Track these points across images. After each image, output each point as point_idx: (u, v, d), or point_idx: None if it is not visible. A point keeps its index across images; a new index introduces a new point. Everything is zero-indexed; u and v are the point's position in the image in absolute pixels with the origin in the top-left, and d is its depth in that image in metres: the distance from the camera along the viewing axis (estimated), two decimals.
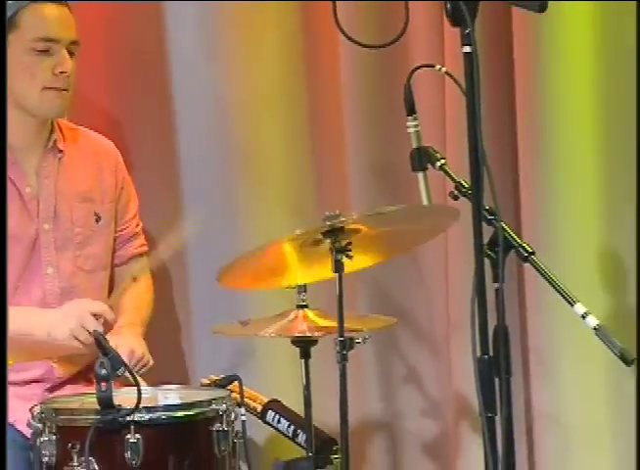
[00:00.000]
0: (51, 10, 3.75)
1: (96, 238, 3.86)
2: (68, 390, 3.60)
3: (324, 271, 3.45)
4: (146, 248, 4.05)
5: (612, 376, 3.98)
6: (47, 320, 3.62)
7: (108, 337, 3.51)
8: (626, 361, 3.26)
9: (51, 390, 3.65)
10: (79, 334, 3.49)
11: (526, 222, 4.07)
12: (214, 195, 4.38)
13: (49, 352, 3.58)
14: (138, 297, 3.96)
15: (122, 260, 3.98)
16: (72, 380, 3.69)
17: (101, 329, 3.48)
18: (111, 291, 3.94)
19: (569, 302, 3.27)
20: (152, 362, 3.71)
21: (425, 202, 3.50)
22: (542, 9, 2.95)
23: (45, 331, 3.57)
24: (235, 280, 3.77)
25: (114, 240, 3.96)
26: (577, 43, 4.08)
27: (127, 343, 3.65)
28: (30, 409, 3.28)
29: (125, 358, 3.38)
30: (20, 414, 3.43)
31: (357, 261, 3.46)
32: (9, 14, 3.73)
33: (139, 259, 4.02)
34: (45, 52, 3.69)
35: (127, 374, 3.15)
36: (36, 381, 3.68)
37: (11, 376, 3.51)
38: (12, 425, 3.53)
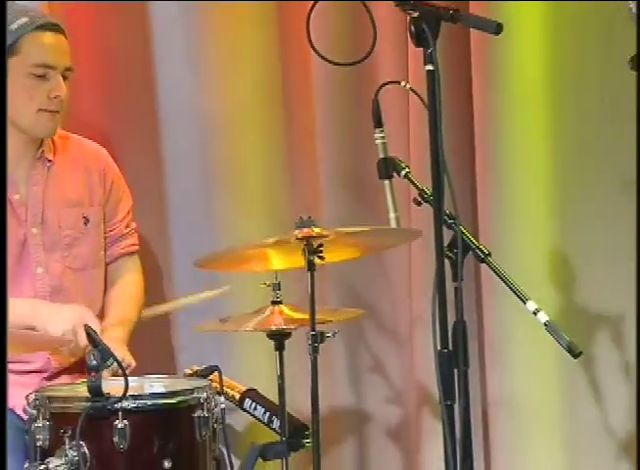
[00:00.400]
0: (49, 38, 3.75)
1: (84, 239, 3.85)
2: (64, 379, 3.61)
3: (297, 261, 3.46)
4: (136, 247, 4.02)
5: (561, 367, 4.02)
6: (47, 315, 3.63)
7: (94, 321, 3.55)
8: (573, 354, 3.34)
9: (48, 379, 3.65)
10: (69, 336, 3.52)
11: (483, 226, 4.09)
12: (198, 198, 4.38)
13: (40, 345, 3.55)
14: (125, 294, 3.96)
15: (111, 259, 3.96)
16: (68, 370, 3.68)
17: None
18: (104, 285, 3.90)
19: (521, 299, 3.34)
20: (134, 364, 3.70)
21: (390, 207, 3.49)
22: (498, 32, 2.98)
23: (40, 322, 3.58)
24: (217, 266, 3.83)
25: (105, 239, 3.95)
26: (529, 62, 4.13)
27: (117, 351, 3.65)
28: (26, 397, 3.27)
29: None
30: (18, 400, 3.42)
31: (328, 258, 3.46)
32: (10, 40, 3.72)
33: (128, 259, 4.00)
34: (42, 77, 3.69)
35: (116, 365, 3.14)
36: (35, 371, 3.67)
37: (12, 366, 3.52)
38: (12, 409, 3.52)
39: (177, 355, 4.29)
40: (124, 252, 3.99)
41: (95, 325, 3.57)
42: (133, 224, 4.03)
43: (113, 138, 4.21)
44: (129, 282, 3.99)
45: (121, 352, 3.65)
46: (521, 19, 4.06)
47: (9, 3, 3.98)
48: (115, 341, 3.72)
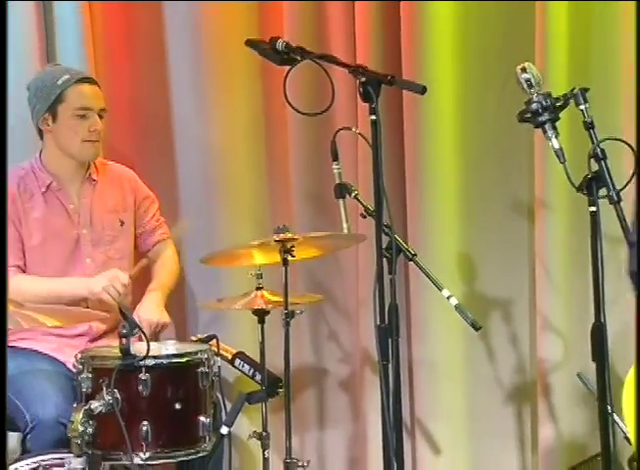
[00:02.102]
0: (86, 88, 3.78)
1: (120, 237, 3.87)
2: (103, 342, 3.63)
3: (275, 258, 3.47)
4: (166, 235, 4.03)
5: (466, 338, 4.00)
6: (88, 281, 3.65)
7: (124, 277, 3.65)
8: (475, 328, 3.44)
9: (91, 342, 3.69)
10: (109, 289, 3.56)
11: (411, 234, 4.06)
12: (202, 208, 4.34)
13: (78, 315, 3.52)
14: (163, 267, 3.99)
15: (150, 246, 3.99)
16: (106, 335, 3.71)
17: (122, 293, 3.57)
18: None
19: (438, 288, 3.41)
20: (168, 321, 3.78)
21: (343, 219, 3.53)
22: (423, 92, 3.05)
23: (86, 287, 3.61)
24: (217, 262, 3.83)
25: (142, 234, 3.97)
26: (443, 113, 4.07)
27: (147, 314, 3.71)
28: (75, 355, 3.30)
29: (146, 330, 3.41)
30: (69, 357, 3.48)
31: (298, 256, 3.49)
32: (58, 92, 3.73)
33: (163, 244, 4.03)
34: (83, 116, 3.72)
35: (140, 334, 3.16)
36: (82, 335, 3.70)
37: (64, 331, 3.63)
38: (64, 363, 3.59)
39: (186, 326, 4.27)
40: (159, 239, 4.01)
41: (124, 278, 3.63)
42: (162, 218, 4.03)
43: (137, 163, 4.17)
44: (165, 260, 4.00)
45: (157, 314, 3.75)
46: (437, 87, 4.00)
47: (56, 66, 4.00)
48: (153, 303, 3.78)
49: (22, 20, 4.18)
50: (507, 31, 4.05)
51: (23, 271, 3.72)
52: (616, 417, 2.92)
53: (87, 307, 3.64)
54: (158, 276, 3.96)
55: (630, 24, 3.73)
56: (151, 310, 3.76)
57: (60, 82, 3.74)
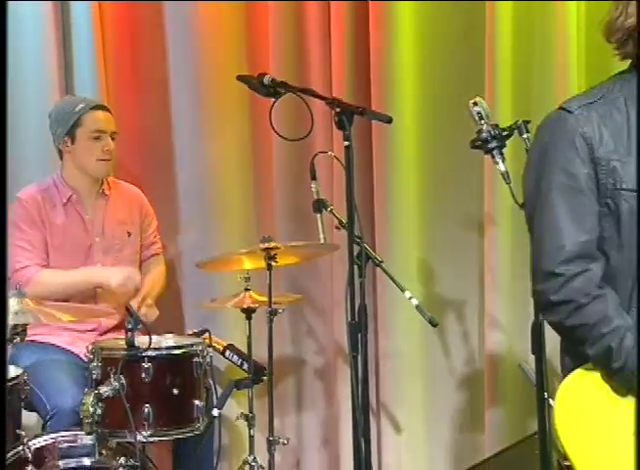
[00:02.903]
0: (99, 114, 3.79)
1: (127, 246, 3.87)
2: (110, 335, 3.62)
3: (261, 263, 3.47)
4: (160, 250, 4.04)
5: (424, 333, 3.99)
6: (109, 271, 3.67)
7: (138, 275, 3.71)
8: (432, 324, 3.42)
9: (100, 335, 3.68)
10: (126, 282, 3.59)
11: (379, 244, 4.05)
12: (198, 221, 4.32)
13: (90, 312, 3.58)
14: (154, 279, 3.95)
15: (146, 257, 3.98)
16: (113, 330, 3.70)
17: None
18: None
19: (401, 289, 3.39)
20: (157, 313, 3.77)
21: (320, 230, 3.48)
22: (390, 122, 3.03)
23: (106, 277, 3.62)
24: (210, 267, 3.82)
25: (141, 247, 3.95)
26: (406, 140, 4.06)
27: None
28: (86, 347, 3.30)
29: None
30: (81, 349, 3.47)
31: (280, 262, 3.49)
32: (75, 118, 3.73)
33: (156, 257, 4.02)
34: (98, 138, 3.72)
35: (142, 328, 3.16)
36: (92, 330, 3.70)
37: (77, 326, 3.62)
38: (77, 355, 3.57)
39: (184, 322, 4.27)
40: (154, 252, 4.00)
41: (136, 276, 3.70)
42: (158, 236, 4.02)
43: (142, 181, 4.16)
44: (155, 272, 3.98)
45: (151, 304, 3.78)
46: (402, 117, 3.98)
47: (73, 96, 4.03)
48: (149, 294, 3.79)
49: (40, 19, 4.17)
50: (460, 70, 4.03)
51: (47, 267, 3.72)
52: (550, 401, 2.93)
53: (96, 303, 3.65)
54: (146, 286, 3.88)
55: (565, 62, 3.76)
56: (146, 297, 3.79)
57: (77, 109, 3.75)
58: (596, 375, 2.03)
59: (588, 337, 2.01)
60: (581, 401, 2.05)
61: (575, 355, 2.11)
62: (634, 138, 2.01)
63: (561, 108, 2.09)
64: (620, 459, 1.97)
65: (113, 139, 3.78)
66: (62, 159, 3.82)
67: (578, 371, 2.06)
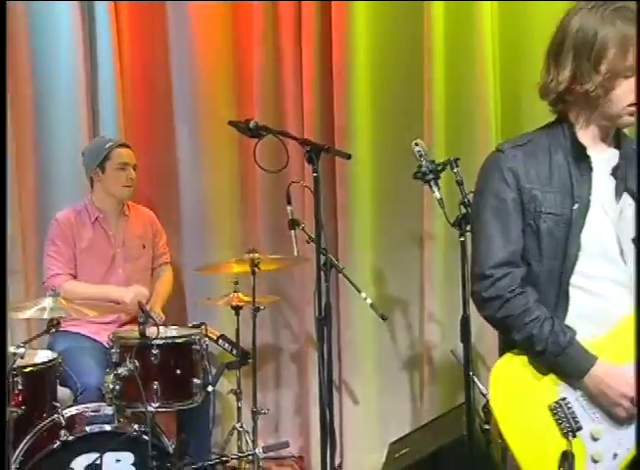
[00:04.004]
0: (124, 150, 3.81)
1: (143, 256, 3.88)
2: (128, 327, 3.61)
3: (246, 270, 3.50)
4: (168, 260, 4.03)
5: (376, 326, 3.95)
6: (120, 290, 3.64)
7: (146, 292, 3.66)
8: (383, 319, 3.46)
9: (119, 327, 3.68)
10: (134, 299, 3.51)
11: (340, 255, 4.02)
12: (197, 234, 4.29)
13: (111, 309, 3.59)
14: (162, 286, 3.96)
15: (156, 266, 3.97)
16: (129, 323, 3.70)
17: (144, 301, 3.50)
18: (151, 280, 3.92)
19: (358, 291, 3.42)
20: (163, 317, 3.73)
21: (294, 244, 3.47)
22: (349, 158, 3.02)
23: (120, 295, 3.61)
24: (206, 272, 3.86)
25: (153, 256, 3.93)
26: (362, 172, 4.03)
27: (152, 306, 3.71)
28: (108, 336, 3.31)
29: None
30: (103, 338, 3.46)
31: (264, 269, 3.54)
32: (105, 153, 3.73)
33: (164, 266, 4.01)
34: (122, 169, 3.74)
35: (152, 321, 3.15)
36: (113, 322, 3.70)
37: (101, 320, 3.62)
38: (101, 342, 3.55)
39: (185, 316, 4.25)
40: (163, 262, 3.99)
41: (145, 293, 3.67)
42: (166, 248, 4.00)
43: (154, 204, 4.16)
44: (165, 280, 3.98)
45: (158, 312, 3.75)
46: (359, 154, 3.95)
47: (102, 137, 4.01)
48: (157, 304, 3.79)
49: (67, 18, 4.17)
50: (404, 117, 3.99)
51: (74, 277, 3.69)
52: (475, 379, 2.95)
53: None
54: (157, 293, 3.89)
55: (487, 115, 3.74)
56: (153, 306, 3.76)
57: (106, 146, 3.77)
58: (522, 358, 2.01)
59: (514, 326, 2.00)
60: (510, 379, 2.03)
61: (507, 343, 2.09)
62: (556, 174, 2.01)
63: (497, 149, 2.11)
64: (539, 426, 1.96)
65: (134, 170, 3.80)
66: (92, 186, 3.82)
67: (508, 354, 2.04)
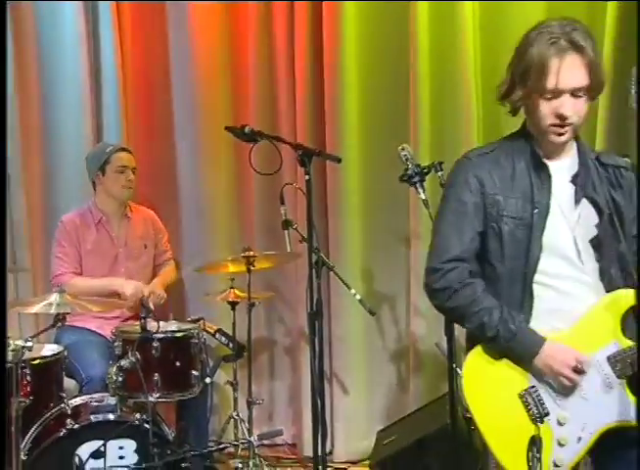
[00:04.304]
0: (124, 154, 3.79)
1: (144, 255, 3.87)
2: (130, 322, 3.60)
3: (242, 268, 3.49)
4: (171, 256, 4.02)
5: (365, 320, 3.93)
6: (122, 282, 3.65)
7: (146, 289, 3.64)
8: (371, 313, 3.44)
9: (122, 321, 3.67)
10: (136, 291, 3.56)
11: (331, 253, 4.02)
12: (196, 234, 4.31)
13: (113, 304, 3.55)
14: (166, 272, 3.96)
15: (160, 262, 3.96)
16: (131, 318, 3.69)
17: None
18: (152, 277, 3.90)
19: (348, 287, 3.40)
20: (165, 296, 3.75)
21: (287, 243, 3.46)
22: (339, 161, 2.98)
23: (121, 284, 3.60)
24: (204, 270, 3.83)
25: (155, 254, 3.92)
26: (352, 174, 4.03)
27: (152, 288, 3.71)
28: (111, 330, 3.33)
29: (152, 298, 3.51)
30: (107, 332, 3.48)
31: (257, 266, 3.52)
32: (105, 157, 3.73)
33: (167, 262, 4.00)
34: (122, 172, 3.72)
35: (153, 316, 3.15)
36: (116, 317, 3.69)
37: (105, 315, 3.60)
38: (104, 336, 3.56)
39: (185, 312, 4.22)
40: (166, 258, 4.00)
41: (144, 288, 3.66)
42: (169, 245, 3.99)
43: (155, 206, 4.14)
44: (168, 269, 3.97)
45: (158, 289, 3.73)
46: (349, 157, 3.95)
47: (104, 143, 4.01)
48: (157, 284, 3.78)
49: (72, 19, 4.16)
50: (391, 123, 4.00)
51: (79, 275, 3.69)
52: (458, 370, 2.95)
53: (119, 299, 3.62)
54: (161, 274, 3.92)
55: (470, 118, 3.75)
56: (152, 286, 3.75)
57: (107, 151, 3.77)
58: (489, 351, 2.03)
59: (465, 315, 2.03)
60: (482, 370, 2.05)
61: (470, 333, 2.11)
62: (518, 181, 2.04)
63: (464, 156, 2.14)
64: (509, 413, 1.98)
65: (133, 173, 3.79)
66: (95, 189, 3.82)
67: (478, 348, 2.06)
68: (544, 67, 1.96)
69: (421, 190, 3.07)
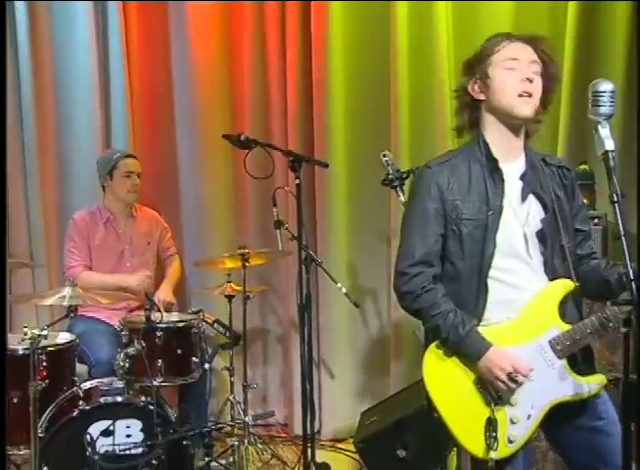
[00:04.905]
0: (130, 160, 3.80)
1: (148, 251, 3.86)
2: (136, 313, 3.60)
3: (238, 264, 3.50)
4: (174, 251, 4.02)
5: (350, 312, 3.94)
6: (129, 277, 3.65)
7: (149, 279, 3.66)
8: (356, 306, 3.49)
9: (129, 312, 3.67)
10: (143, 283, 3.60)
11: (319, 250, 4.00)
12: (195, 233, 4.30)
13: (121, 297, 3.54)
14: (173, 272, 3.95)
15: (165, 257, 3.96)
16: (137, 309, 3.69)
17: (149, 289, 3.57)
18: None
19: (334, 282, 3.44)
20: (175, 301, 3.75)
21: (279, 241, 3.46)
22: (327, 167, 3.08)
23: (127, 281, 3.61)
24: (204, 266, 3.84)
25: (160, 250, 3.92)
26: (338, 178, 4.03)
27: (162, 295, 3.69)
28: (119, 320, 3.34)
29: (161, 304, 3.45)
30: (116, 321, 3.47)
31: (252, 263, 3.52)
32: (113, 164, 3.71)
33: (172, 257, 3.99)
34: (128, 177, 3.72)
35: (156, 308, 3.21)
36: (123, 309, 3.69)
37: (113, 306, 3.58)
38: (112, 325, 3.56)
39: (186, 304, 4.22)
40: (170, 253, 3.98)
41: (149, 274, 3.70)
42: (172, 241, 3.98)
43: (159, 207, 4.15)
44: (174, 267, 3.95)
45: (168, 295, 3.72)
46: (336, 163, 3.94)
47: (112, 149, 4.00)
48: (166, 289, 3.79)
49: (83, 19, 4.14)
50: (373, 131, 3.98)
51: (90, 269, 3.68)
52: None
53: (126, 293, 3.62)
54: (169, 276, 3.92)
55: (444, 124, 3.68)
56: (164, 293, 3.76)
57: (114, 157, 3.77)
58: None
59: (425, 317, 2.06)
60: (440, 360, 2.06)
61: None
62: (474, 186, 2.06)
63: (425, 165, 2.15)
64: (467, 398, 2.01)
65: (138, 177, 3.79)
66: (104, 191, 3.82)
67: (436, 342, 2.08)
68: (500, 42, 2.04)
69: (401, 193, 3.10)
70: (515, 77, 2.03)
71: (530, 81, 2.03)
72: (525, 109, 2.04)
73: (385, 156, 3.13)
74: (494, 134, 2.10)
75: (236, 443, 3.51)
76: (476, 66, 2.08)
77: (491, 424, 1.94)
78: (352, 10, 3.99)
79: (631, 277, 1.76)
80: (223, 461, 3.51)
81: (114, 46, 4.25)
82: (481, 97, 2.09)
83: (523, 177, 2.09)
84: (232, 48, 4.28)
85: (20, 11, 4.15)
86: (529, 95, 2.03)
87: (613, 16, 3.39)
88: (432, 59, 3.78)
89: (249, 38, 4.20)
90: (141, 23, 4.34)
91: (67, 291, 2.97)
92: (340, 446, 3.93)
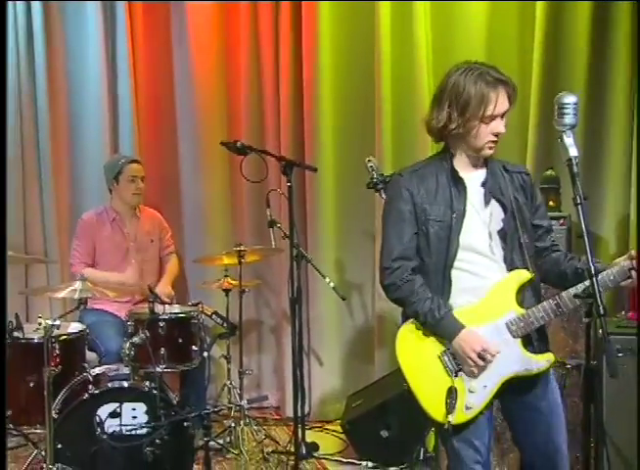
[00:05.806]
0: (134, 165, 3.80)
1: (151, 248, 3.87)
2: (141, 305, 3.58)
3: (234, 261, 3.50)
4: (174, 249, 3.99)
5: (338, 305, 3.95)
6: (128, 275, 3.66)
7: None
8: (343, 299, 3.49)
9: (134, 305, 3.68)
10: (134, 281, 3.60)
11: (310, 248, 4.01)
12: (195, 231, 4.30)
13: (125, 291, 3.58)
14: (171, 268, 3.94)
15: (164, 255, 3.95)
16: (141, 302, 3.68)
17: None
18: (158, 267, 3.91)
19: (323, 277, 3.46)
20: (174, 293, 3.74)
21: (272, 241, 3.48)
22: (316, 171, 3.14)
23: (126, 279, 3.62)
24: (203, 262, 3.84)
25: (160, 248, 3.91)
26: (326, 181, 4.03)
27: (161, 289, 3.68)
28: (125, 312, 3.37)
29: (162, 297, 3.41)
30: (122, 313, 3.50)
31: (247, 259, 3.52)
32: (118, 169, 3.71)
33: (171, 255, 3.98)
34: (133, 181, 3.72)
35: (159, 301, 3.21)
36: (129, 301, 3.71)
37: (120, 299, 3.59)
38: (119, 317, 3.57)
39: (186, 297, 4.21)
40: (169, 252, 3.97)
41: (153, 276, 3.71)
42: (172, 240, 3.97)
43: (161, 208, 4.14)
44: (172, 264, 3.94)
45: (167, 289, 3.71)
46: (324, 167, 3.95)
47: (118, 154, 3.98)
48: (165, 284, 3.78)
49: (91, 19, 4.09)
50: (359, 137, 3.98)
51: (90, 266, 3.67)
52: None
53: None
54: (167, 272, 3.91)
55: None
56: (164, 286, 3.76)
57: (120, 163, 3.77)
58: (417, 324, 2.16)
59: (406, 304, 2.15)
60: (411, 338, 2.15)
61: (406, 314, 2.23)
62: (440, 192, 2.16)
63: (398, 173, 2.24)
64: (432, 370, 2.11)
65: (142, 181, 3.80)
66: (111, 193, 3.83)
67: (408, 322, 2.18)
68: (484, 98, 2.09)
69: (384, 195, 3.06)
70: (491, 129, 2.14)
71: (500, 134, 2.15)
72: (491, 151, 2.17)
73: (369, 161, 3.15)
74: (461, 151, 2.20)
75: (232, 424, 3.54)
76: (457, 108, 2.13)
77: (452, 392, 2.04)
78: (340, 10, 3.99)
79: (592, 272, 1.87)
80: (221, 441, 3.53)
81: (120, 46, 4.21)
82: (454, 127, 2.15)
83: (484, 184, 2.19)
84: (229, 51, 4.24)
85: (36, 16, 4.08)
86: (497, 140, 2.15)
87: (575, 15, 3.44)
88: (412, 61, 3.79)
89: (245, 39, 4.17)
90: (146, 23, 4.30)
91: (77, 285, 2.99)
92: (328, 427, 3.94)
